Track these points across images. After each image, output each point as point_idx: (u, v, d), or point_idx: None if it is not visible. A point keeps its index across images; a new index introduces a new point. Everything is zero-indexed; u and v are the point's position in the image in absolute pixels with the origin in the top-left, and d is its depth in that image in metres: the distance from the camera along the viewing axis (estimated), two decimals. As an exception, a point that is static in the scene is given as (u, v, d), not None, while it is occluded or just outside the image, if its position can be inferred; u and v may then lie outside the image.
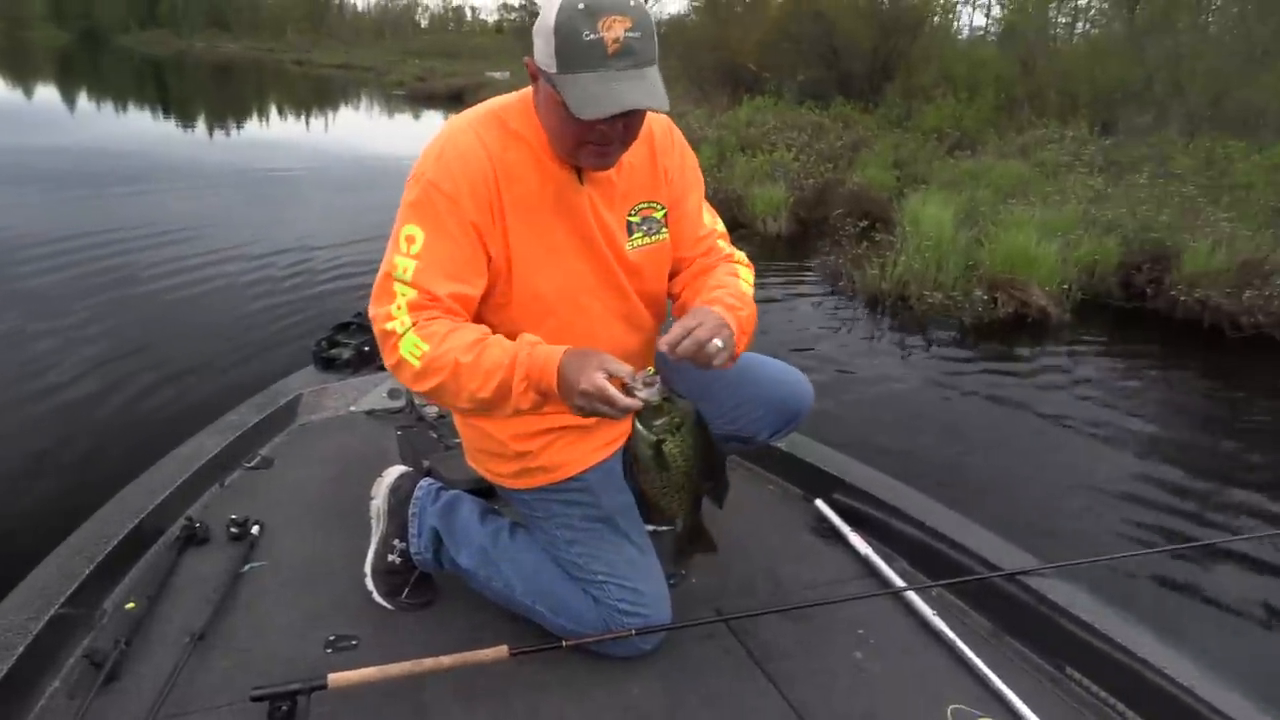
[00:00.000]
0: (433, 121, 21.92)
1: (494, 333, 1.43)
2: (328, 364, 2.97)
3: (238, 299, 5.84)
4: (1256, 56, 11.73)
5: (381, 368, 2.74)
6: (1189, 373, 5.50)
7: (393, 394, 2.81)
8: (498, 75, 27.66)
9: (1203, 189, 8.05)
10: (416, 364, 1.37)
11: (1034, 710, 1.55)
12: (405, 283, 1.41)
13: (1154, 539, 3.35)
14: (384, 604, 1.82)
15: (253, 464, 2.40)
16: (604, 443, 1.71)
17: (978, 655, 1.70)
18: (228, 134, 17.98)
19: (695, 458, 1.42)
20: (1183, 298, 6.04)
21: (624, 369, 1.31)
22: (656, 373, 1.36)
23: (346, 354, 2.97)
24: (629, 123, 1.40)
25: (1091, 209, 7.53)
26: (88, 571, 1.75)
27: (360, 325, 3.10)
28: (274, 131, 19.14)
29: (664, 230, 1.65)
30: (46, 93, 26.35)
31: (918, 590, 1.89)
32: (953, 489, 3.15)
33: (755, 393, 1.80)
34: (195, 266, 6.49)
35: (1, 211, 8.14)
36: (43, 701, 1.52)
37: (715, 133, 12.01)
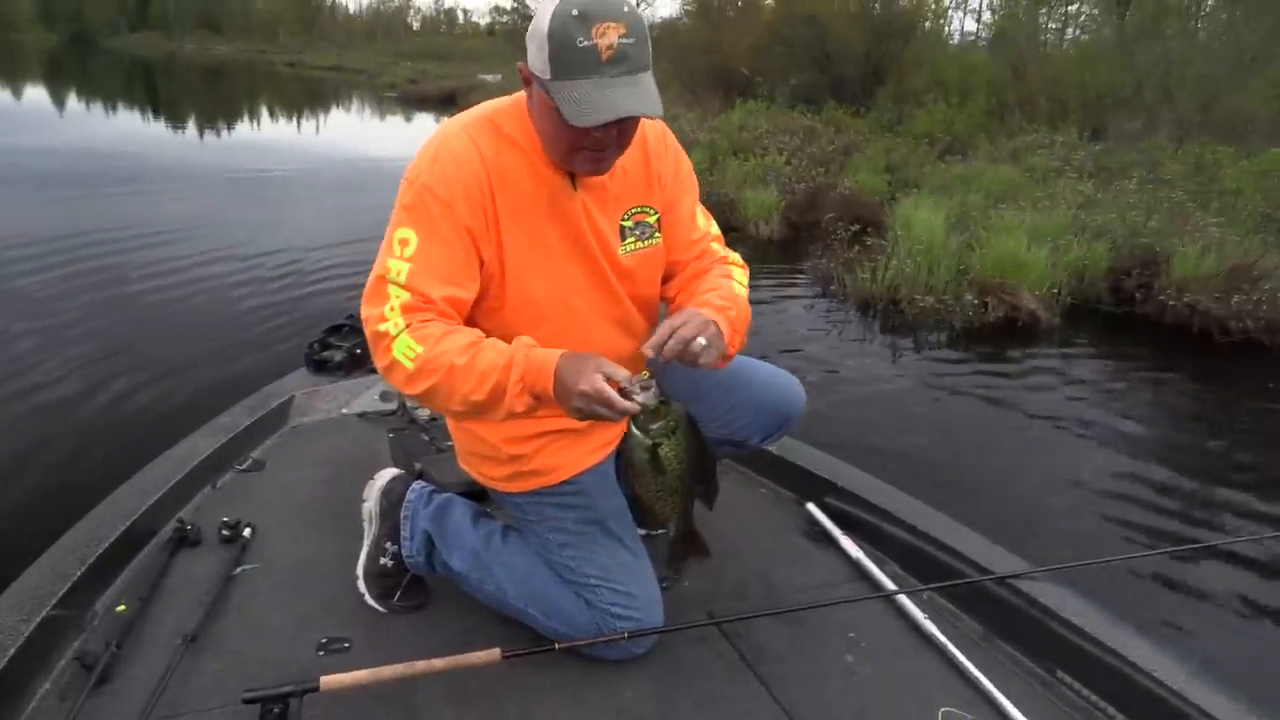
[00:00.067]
0: (425, 124, 21.89)
1: (487, 336, 1.43)
2: (320, 366, 2.96)
3: (229, 300, 5.82)
4: (1245, 63, 11.81)
5: (374, 370, 2.73)
6: (1178, 377, 5.53)
7: (385, 397, 2.81)
8: (490, 78, 27.62)
9: (1192, 194, 8.10)
10: (410, 366, 1.37)
11: (1024, 713, 1.56)
12: (399, 285, 1.40)
13: (1143, 542, 3.37)
14: (376, 606, 1.82)
15: (245, 466, 2.40)
16: (597, 446, 1.71)
17: (969, 658, 1.70)
18: (219, 135, 17.93)
19: (689, 461, 1.43)
20: (1172, 303, 6.07)
21: (622, 373, 1.31)
22: (652, 377, 1.36)
23: (339, 356, 2.97)
24: (623, 129, 1.40)
25: (1081, 214, 7.56)
26: (79, 573, 1.75)
27: (352, 328, 3.09)
28: (266, 133, 19.10)
29: (657, 235, 1.65)
30: (36, 94, 26.21)
31: (909, 593, 1.90)
32: (943, 492, 3.15)
33: (748, 397, 1.81)
34: (187, 267, 6.48)
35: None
36: (33, 703, 1.52)
37: (707, 136, 12.02)
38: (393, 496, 1.86)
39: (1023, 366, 5.52)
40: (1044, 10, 18.38)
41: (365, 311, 1.43)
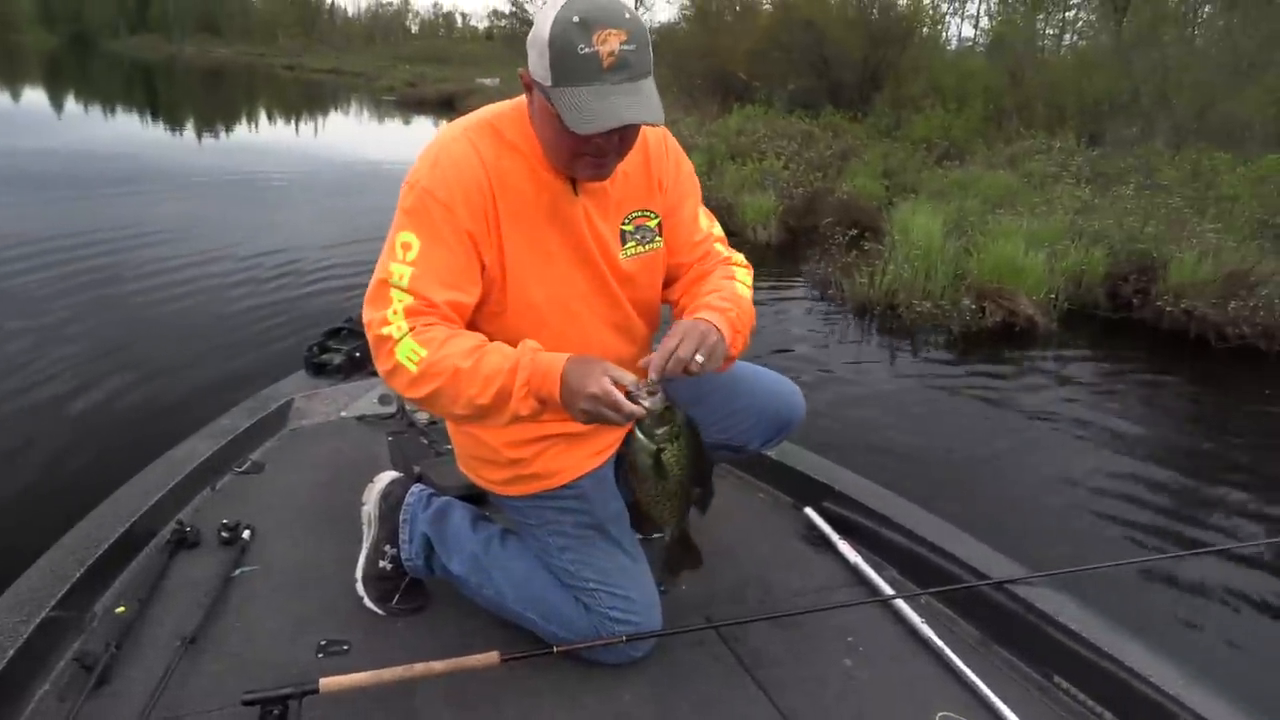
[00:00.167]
0: (423, 127, 21.91)
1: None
2: (319, 369, 2.96)
3: (228, 301, 5.83)
4: (1242, 69, 11.84)
5: (373, 373, 2.73)
6: (1175, 382, 5.54)
7: (384, 400, 2.81)
8: (488, 82, 27.66)
9: (1189, 200, 8.12)
10: (414, 369, 1.36)
11: (1022, 718, 1.56)
12: (401, 289, 1.40)
13: (1141, 547, 3.38)
14: (375, 609, 1.82)
15: (244, 468, 2.40)
16: (597, 450, 1.71)
17: (966, 663, 1.71)
18: (218, 138, 17.94)
19: (689, 465, 1.44)
20: (1169, 308, 6.09)
21: (628, 377, 1.32)
22: (657, 381, 1.37)
23: (338, 359, 2.97)
24: (625, 135, 1.40)
25: (1078, 219, 7.59)
26: (78, 574, 1.75)
27: (351, 331, 3.09)
28: (265, 136, 19.09)
29: (658, 239, 1.65)
30: (35, 95, 26.18)
31: (906, 598, 1.90)
32: (941, 497, 3.16)
33: (749, 403, 1.81)
34: (186, 268, 6.48)
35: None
36: (32, 705, 1.52)
37: (705, 141, 12.05)
38: (392, 499, 1.86)
39: (1020, 371, 5.53)
40: (1041, 16, 18.49)
41: (368, 315, 1.43)
